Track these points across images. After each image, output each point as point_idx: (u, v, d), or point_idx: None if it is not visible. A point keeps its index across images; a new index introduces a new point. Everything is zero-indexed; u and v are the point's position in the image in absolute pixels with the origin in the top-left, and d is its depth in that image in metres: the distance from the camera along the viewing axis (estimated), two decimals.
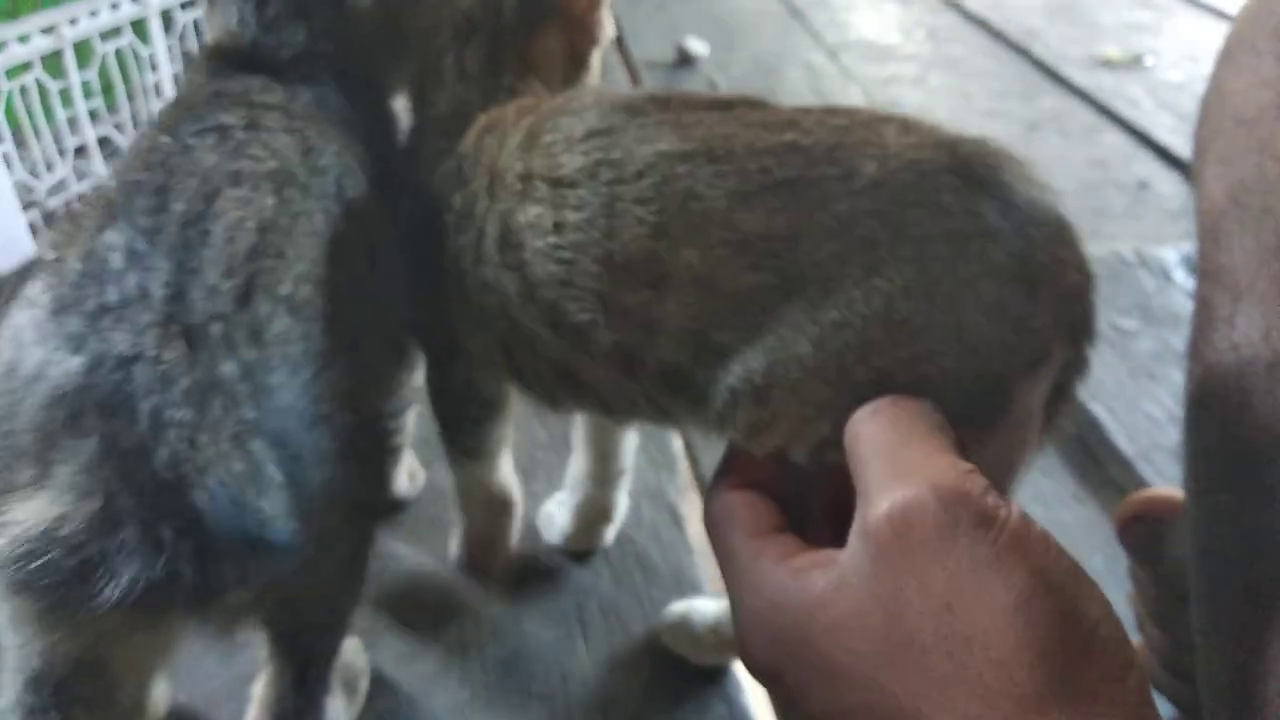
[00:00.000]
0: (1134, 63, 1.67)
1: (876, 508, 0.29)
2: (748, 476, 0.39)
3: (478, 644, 0.67)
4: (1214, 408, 0.40)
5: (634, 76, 1.60)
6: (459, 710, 0.63)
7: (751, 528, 0.36)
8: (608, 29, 0.63)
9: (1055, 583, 0.27)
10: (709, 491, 0.40)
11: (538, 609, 0.69)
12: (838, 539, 0.33)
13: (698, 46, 1.63)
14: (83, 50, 1.00)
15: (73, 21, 0.97)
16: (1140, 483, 0.77)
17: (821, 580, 0.31)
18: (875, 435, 0.32)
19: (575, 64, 0.63)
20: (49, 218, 1.01)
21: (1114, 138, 1.44)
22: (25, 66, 0.94)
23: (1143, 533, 0.54)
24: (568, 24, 0.62)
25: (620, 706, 0.63)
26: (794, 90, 1.55)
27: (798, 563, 0.32)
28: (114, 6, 1.01)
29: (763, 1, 1.98)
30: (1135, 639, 0.50)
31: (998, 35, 1.84)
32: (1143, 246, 1.12)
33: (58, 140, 1.01)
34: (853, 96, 1.53)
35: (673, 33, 1.72)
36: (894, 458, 0.31)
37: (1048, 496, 0.78)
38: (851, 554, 0.30)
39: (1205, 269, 0.47)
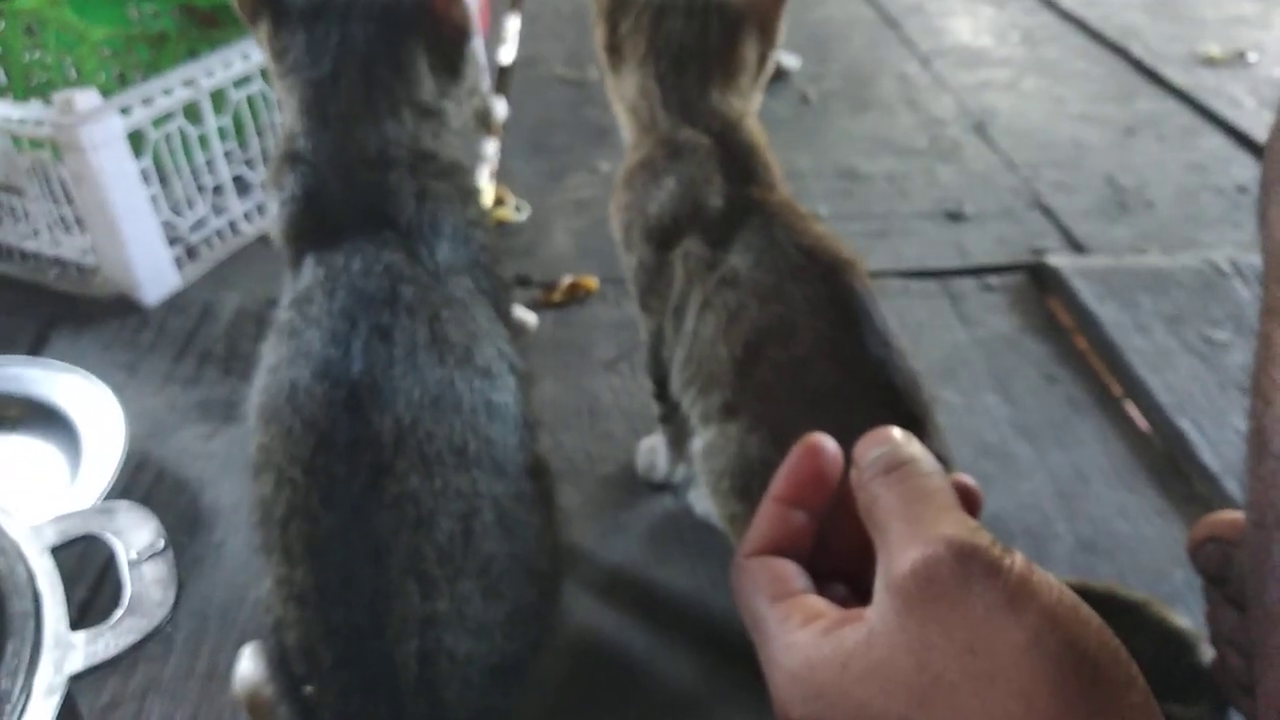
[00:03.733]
0: (1236, 60, 1.64)
1: (900, 565, 0.33)
2: (768, 542, 0.41)
3: None
4: (1272, 445, 0.43)
5: None
6: None
7: (777, 592, 0.39)
8: (783, 34, 0.72)
9: (1061, 619, 0.31)
10: (734, 562, 0.42)
11: None
12: (854, 593, 0.36)
13: (789, 60, 1.66)
14: (218, 98, 1.09)
15: (209, 74, 1.07)
16: (1225, 499, 0.78)
17: (852, 635, 0.34)
18: (891, 499, 0.36)
19: (760, 67, 0.73)
20: (191, 252, 1.11)
21: (1213, 140, 1.42)
22: (169, 116, 1.04)
23: (1213, 553, 0.56)
24: (759, 29, 0.71)
25: None
26: (886, 100, 1.57)
27: (826, 622, 0.36)
28: (245, 57, 1.10)
29: (856, 9, 1.99)
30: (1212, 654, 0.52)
31: (1094, 35, 1.82)
32: (1239, 255, 1.11)
33: (197, 180, 1.11)
34: (945, 106, 1.54)
35: None
36: (910, 518, 0.35)
37: (1130, 511, 0.80)
38: (879, 608, 0.34)
39: (1270, 306, 0.49)
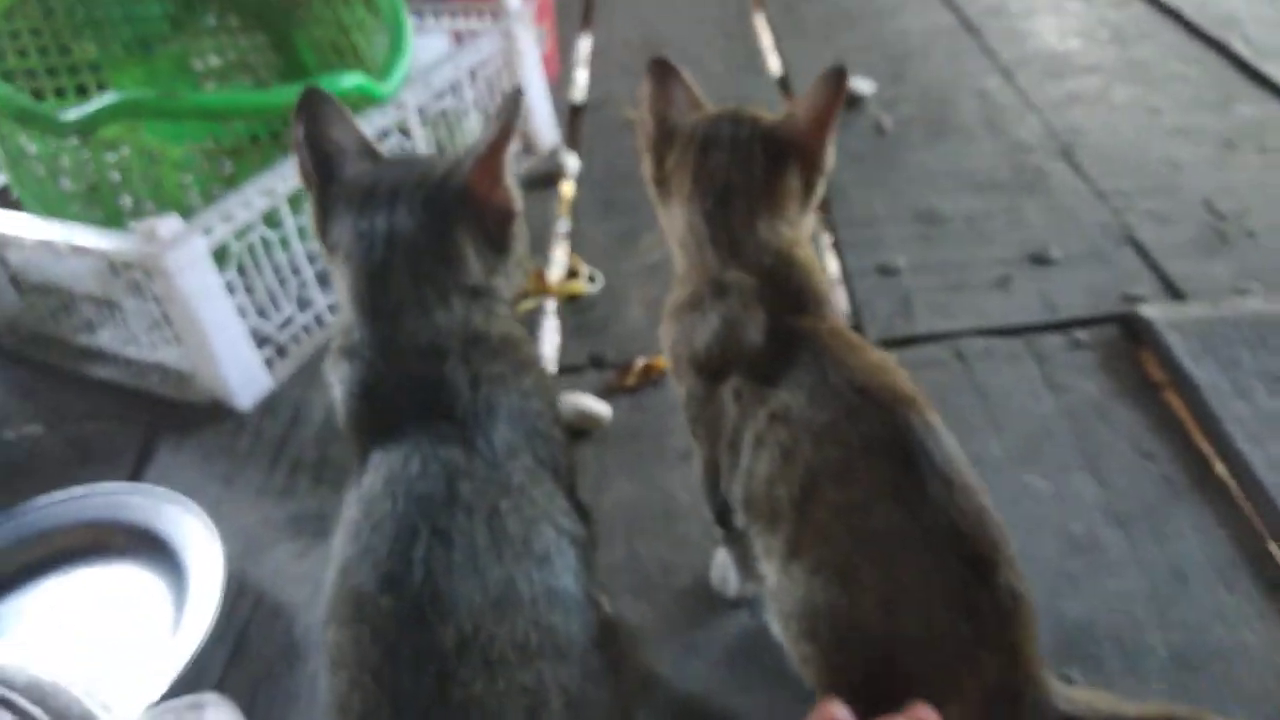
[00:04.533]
0: None
1: None
2: None
3: None
4: None
5: None
6: None
7: None
8: (832, 158, 0.71)
9: None
10: None
11: None
12: None
13: (863, 85, 1.62)
14: (295, 200, 1.12)
15: (285, 179, 1.10)
16: None
17: None
18: None
19: (808, 194, 0.72)
20: (280, 350, 1.15)
21: None
22: (249, 227, 1.08)
23: None
24: (804, 159, 0.70)
25: None
26: (967, 124, 1.52)
27: None
28: None
29: (934, 16, 1.93)
30: None
31: (1190, 28, 1.72)
32: None
33: (280, 280, 1.14)
34: (1029, 127, 1.49)
35: None
36: None
37: (1229, 614, 0.77)
38: None
39: None
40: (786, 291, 0.69)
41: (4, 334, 1.26)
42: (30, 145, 1.07)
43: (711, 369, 0.70)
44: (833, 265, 1.25)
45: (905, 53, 1.79)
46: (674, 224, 0.73)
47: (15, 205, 1.18)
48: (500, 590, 0.56)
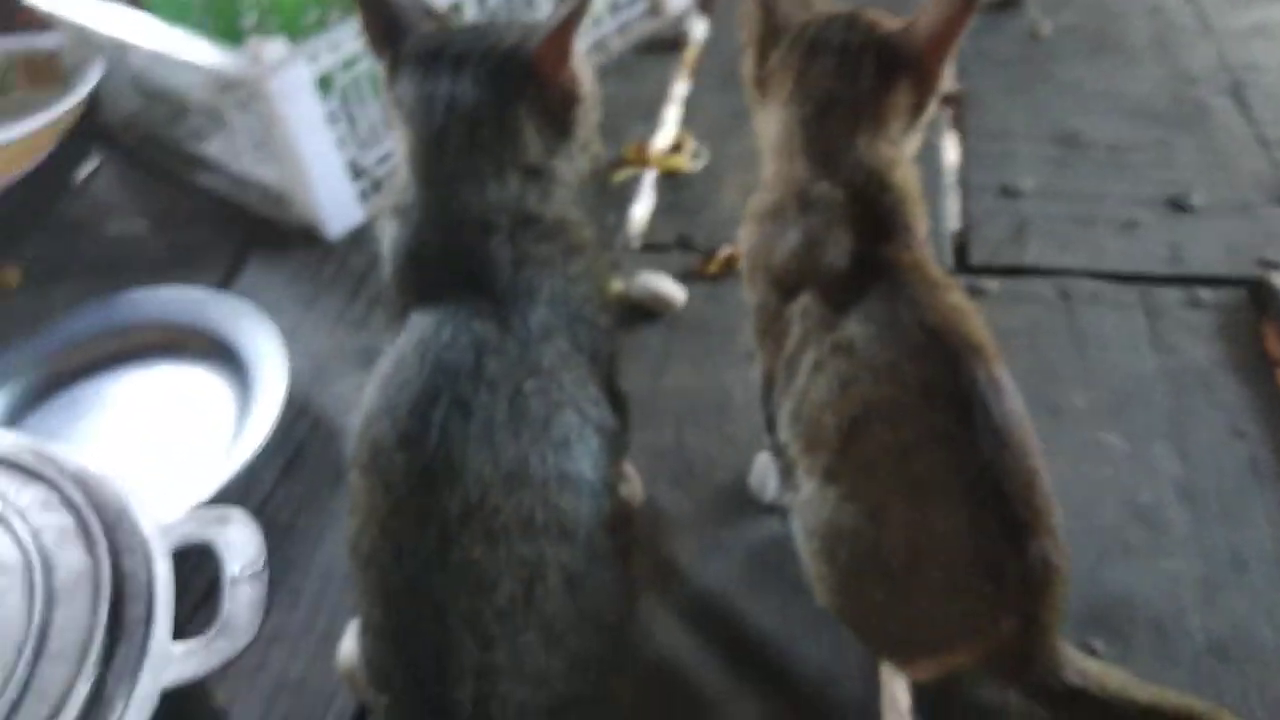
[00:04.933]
0: None
1: None
2: None
3: None
4: None
5: None
6: None
7: None
8: (950, 77, 0.65)
9: None
10: None
11: None
12: None
13: None
14: None
15: None
16: None
17: None
18: None
19: (917, 113, 0.67)
20: (376, 185, 1.16)
21: None
22: (356, 59, 1.07)
23: None
24: (917, 76, 0.65)
25: None
26: (1133, 43, 1.38)
27: None
28: None
29: None
30: None
31: None
32: None
33: (383, 115, 1.14)
34: (1202, 56, 1.35)
35: None
36: None
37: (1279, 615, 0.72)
38: None
39: None
40: (875, 215, 0.65)
41: (123, 132, 1.30)
42: None
43: (786, 285, 0.67)
44: (951, 176, 1.18)
45: None
46: (768, 127, 0.69)
47: (142, 8, 1.19)
48: (513, 466, 0.56)
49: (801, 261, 0.65)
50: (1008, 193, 1.14)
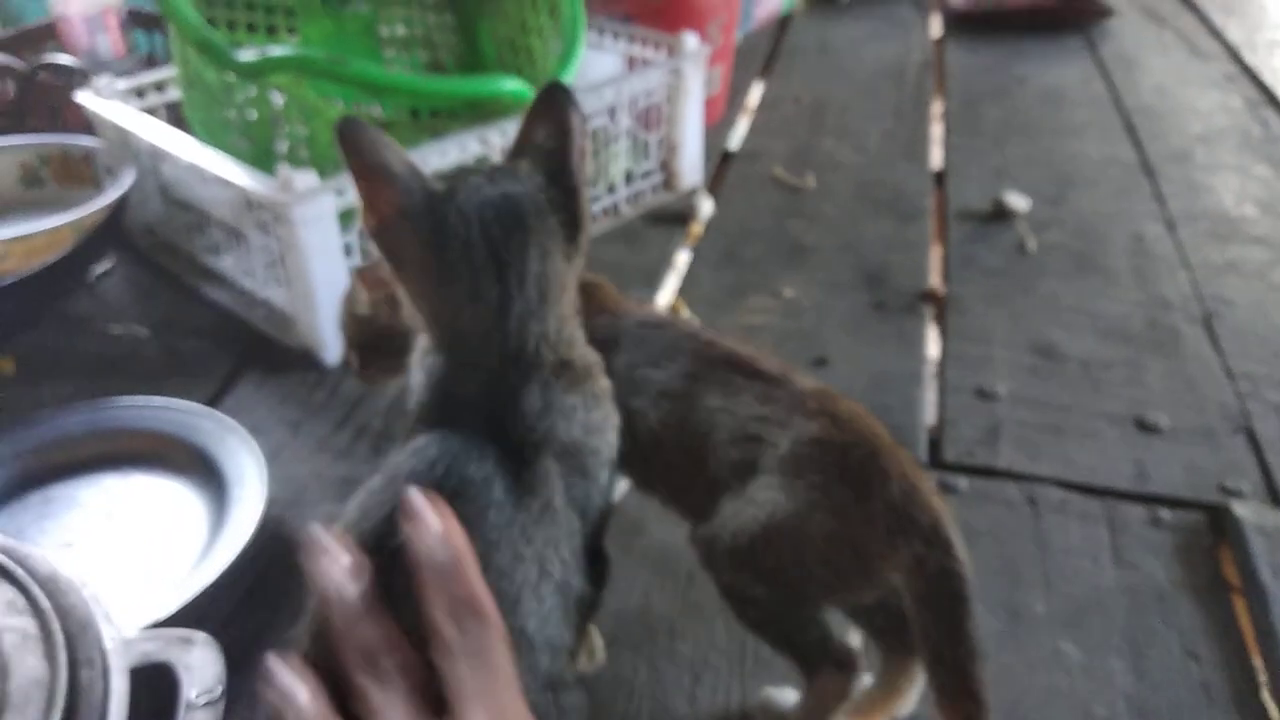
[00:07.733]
0: None
1: None
2: None
3: None
4: None
5: (942, 223, 1.59)
6: None
7: None
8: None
9: None
10: None
11: None
12: None
13: (1017, 201, 1.58)
14: None
15: (423, 161, 1.14)
16: None
17: None
18: None
19: None
20: None
21: None
22: None
23: None
24: None
25: None
26: (1113, 267, 1.46)
27: None
28: (461, 149, 1.16)
29: (1115, 149, 1.86)
30: None
31: None
32: None
33: None
34: (1176, 284, 1.42)
35: (998, 181, 1.68)
36: None
37: None
38: None
39: None
40: None
41: (141, 236, 1.34)
42: (207, 72, 1.14)
43: None
44: (931, 369, 1.22)
45: (1072, 177, 1.73)
46: None
47: (181, 124, 1.25)
48: None
49: None
50: (983, 395, 1.19)
